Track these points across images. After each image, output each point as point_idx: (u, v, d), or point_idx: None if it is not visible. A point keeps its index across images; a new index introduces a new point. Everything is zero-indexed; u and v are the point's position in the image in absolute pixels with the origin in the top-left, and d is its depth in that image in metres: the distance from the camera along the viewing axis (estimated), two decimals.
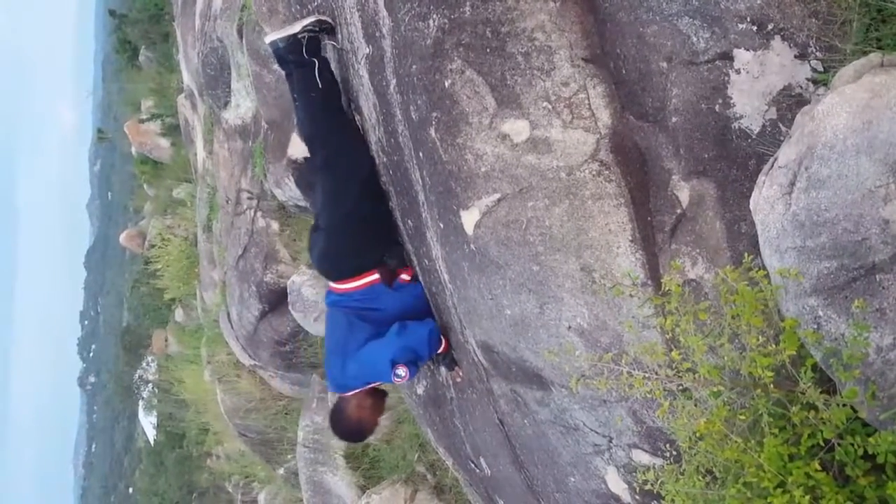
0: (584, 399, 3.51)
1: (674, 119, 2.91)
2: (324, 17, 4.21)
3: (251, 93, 6.87)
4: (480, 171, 3.31)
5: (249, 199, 7.56)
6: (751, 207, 2.50)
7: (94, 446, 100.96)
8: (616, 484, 3.65)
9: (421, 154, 3.63)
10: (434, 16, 3.26)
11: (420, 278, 4.48)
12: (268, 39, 4.33)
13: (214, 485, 18.40)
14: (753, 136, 2.72)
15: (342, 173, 4.29)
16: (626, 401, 3.32)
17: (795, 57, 2.57)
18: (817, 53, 2.52)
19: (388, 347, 4.27)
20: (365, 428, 4.61)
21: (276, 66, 4.74)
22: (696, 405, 2.75)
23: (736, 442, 2.51)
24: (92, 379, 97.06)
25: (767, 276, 2.47)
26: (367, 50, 3.82)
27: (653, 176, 3.06)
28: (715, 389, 2.61)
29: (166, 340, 19.86)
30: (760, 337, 2.43)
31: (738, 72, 2.70)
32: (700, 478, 2.77)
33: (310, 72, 4.16)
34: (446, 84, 3.29)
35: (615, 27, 3.00)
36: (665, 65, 2.88)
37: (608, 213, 3.03)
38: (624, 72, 3.02)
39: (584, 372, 3.25)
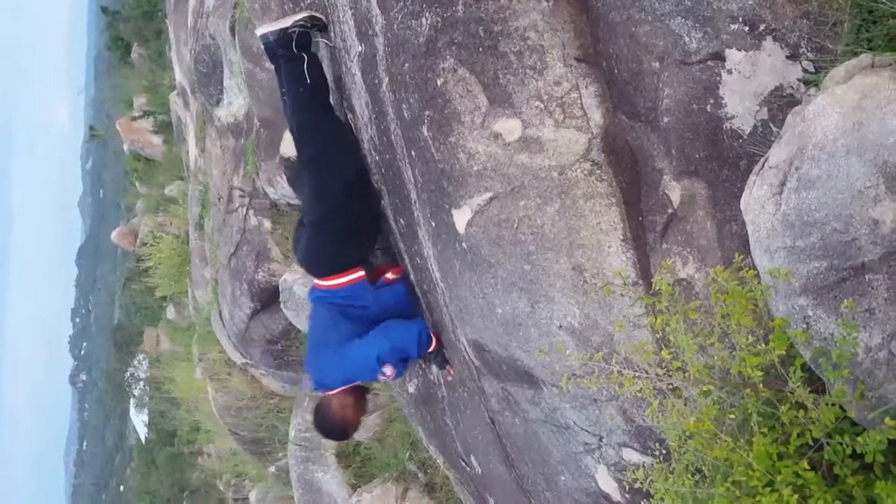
0: (575, 398, 3.52)
1: (665, 119, 2.92)
2: (316, 14, 4.21)
3: (244, 90, 6.86)
4: (472, 170, 3.31)
5: (241, 197, 7.54)
6: (741, 207, 2.50)
7: (85, 444, 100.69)
8: (606, 482, 3.65)
9: (413, 152, 3.62)
10: (427, 14, 3.26)
11: (411, 276, 4.48)
12: (259, 32, 4.31)
13: (206, 483, 18.38)
14: (745, 137, 2.72)
15: (327, 170, 4.27)
16: (617, 400, 3.33)
17: (787, 57, 2.58)
18: (808, 54, 2.53)
19: (376, 346, 4.27)
20: (349, 426, 4.60)
21: (268, 64, 4.73)
22: (685, 404, 2.76)
23: (725, 441, 2.51)
24: (83, 377, 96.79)
25: (757, 275, 2.48)
26: (360, 48, 3.82)
27: (644, 176, 3.07)
28: (705, 388, 2.61)
29: (158, 338, 19.82)
30: (750, 336, 2.44)
31: (729, 72, 2.71)
32: (689, 476, 2.77)
33: (298, 67, 4.15)
34: (439, 82, 3.29)
35: (607, 27, 3.00)
36: (657, 65, 2.89)
37: (600, 212, 3.03)
38: (616, 71, 3.02)
39: (574, 371, 3.25)
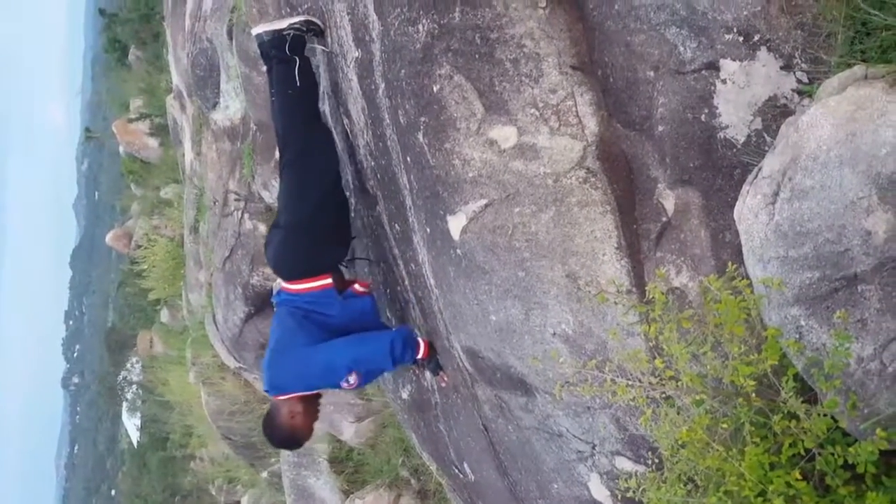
0: (568, 406, 3.52)
1: (660, 128, 2.93)
2: (313, 19, 4.21)
3: (240, 94, 6.86)
4: (468, 177, 3.31)
5: (237, 200, 7.54)
6: (735, 217, 2.51)
7: (76, 447, 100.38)
8: (599, 491, 3.65)
9: (409, 158, 3.63)
10: (424, 21, 3.27)
11: (406, 283, 4.48)
12: (254, 31, 4.31)
13: (198, 487, 18.34)
14: (738, 146, 2.73)
15: (308, 174, 4.25)
16: (610, 408, 3.33)
17: (781, 68, 2.59)
18: (802, 65, 2.54)
19: (345, 354, 4.17)
20: (299, 436, 4.41)
21: (264, 68, 4.73)
22: (678, 413, 2.76)
23: (717, 450, 2.52)
24: (76, 379, 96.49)
25: (751, 285, 2.48)
26: (357, 54, 3.82)
27: (639, 184, 3.07)
28: (697, 398, 2.61)
29: (151, 341, 19.77)
30: (743, 346, 2.44)
31: (724, 82, 2.72)
32: (682, 486, 2.78)
33: (290, 69, 4.15)
34: (435, 89, 3.30)
35: (603, 36, 3.01)
36: (652, 74, 2.90)
37: (594, 220, 3.04)
38: (611, 80, 3.03)
39: (568, 378, 3.25)
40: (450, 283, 3.74)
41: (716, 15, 2.64)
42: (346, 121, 4.39)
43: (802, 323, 2.36)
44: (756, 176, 2.42)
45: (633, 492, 2.94)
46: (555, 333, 3.30)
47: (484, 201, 3.31)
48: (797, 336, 2.38)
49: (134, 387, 27.07)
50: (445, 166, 3.38)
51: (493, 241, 3.33)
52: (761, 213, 2.36)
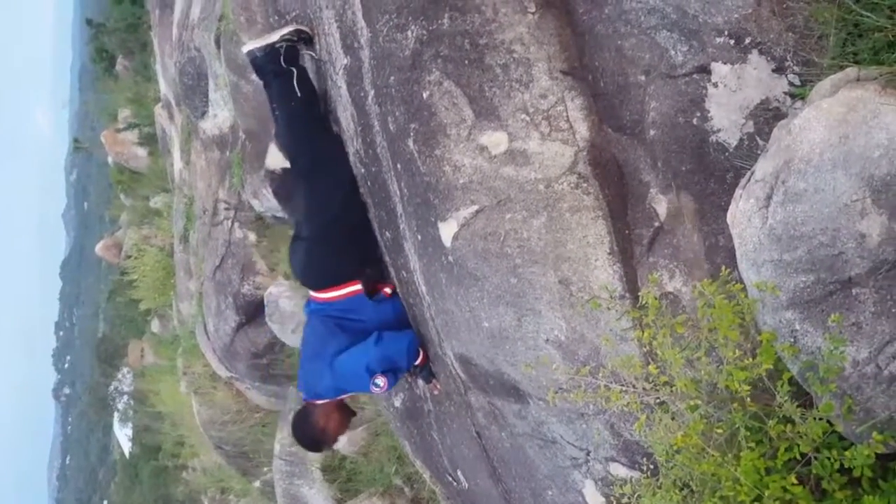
0: (562, 412, 3.50)
1: (652, 132, 2.92)
2: (302, 27, 4.20)
3: (229, 103, 6.83)
4: (458, 183, 3.29)
5: (227, 209, 7.51)
6: (728, 221, 2.50)
7: (68, 458, 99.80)
8: (593, 497, 3.63)
9: (399, 165, 3.61)
10: (412, 27, 3.25)
11: (398, 290, 4.46)
12: (245, 49, 4.30)
13: (190, 498, 18.22)
14: (731, 150, 2.73)
15: (325, 182, 4.27)
16: (604, 414, 3.32)
17: (773, 71, 2.58)
18: (794, 67, 2.54)
19: (365, 356, 4.25)
20: (326, 438, 4.56)
21: (253, 77, 4.71)
22: (673, 418, 2.75)
23: (713, 455, 2.50)
24: (66, 390, 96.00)
25: (744, 289, 2.47)
26: (346, 61, 3.80)
27: (631, 189, 3.06)
28: (692, 403, 2.60)
29: (142, 352, 19.66)
30: (737, 350, 2.43)
31: (715, 85, 2.71)
32: (677, 491, 2.76)
33: (288, 81, 4.14)
34: (424, 95, 3.28)
35: (593, 40, 3.00)
36: (643, 78, 2.89)
37: (586, 225, 3.02)
38: (602, 84, 3.02)
39: (561, 385, 3.24)
40: (441, 290, 3.72)
41: (707, 18, 2.64)
42: (335, 128, 4.37)
43: (797, 327, 2.35)
44: (749, 179, 2.41)
45: (629, 498, 2.93)
46: (548, 340, 3.28)
47: (475, 208, 3.29)
48: (792, 340, 2.37)
49: (125, 397, 26.93)
50: (436, 173, 3.36)
51: (485, 247, 3.31)
52: (754, 217, 2.35)
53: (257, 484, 10.35)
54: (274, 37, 4.15)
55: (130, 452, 31.65)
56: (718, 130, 2.74)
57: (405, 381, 5.10)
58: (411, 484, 6.68)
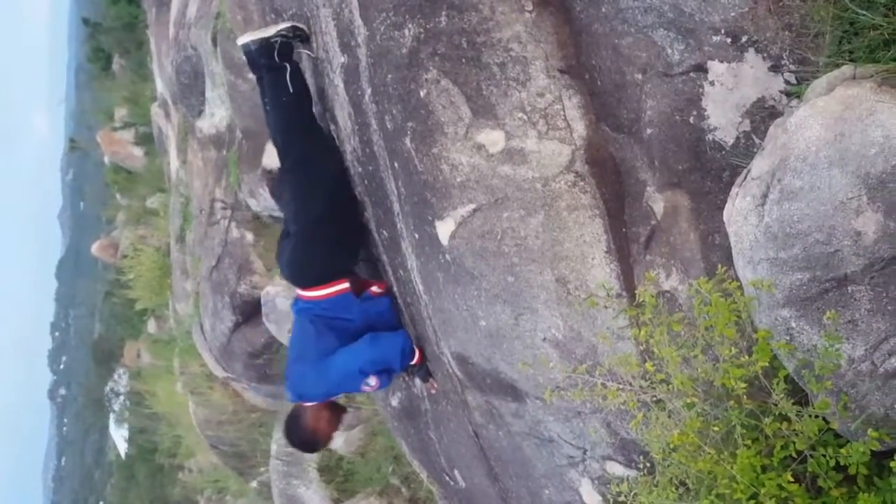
0: (559, 411, 3.50)
1: (648, 130, 2.92)
2: (299, 25, 4.19)
3: (226, 102, 6.84)
4: (455, 182, 3.30)
5: (223, 209, 7.51)
6: (724, 219, 2.50)
7: (64, 460, 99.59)
8: (590, 496, 3.64)
9: (396, 164, 3.61)
10: (410, 25, 3.26)
11: (394, 289, 4.46)
12: (240, 41, 4.28)
13: (186, 498, 18.20)
14: (727, 148, 2.73)
15: (312, 179, 4.24)
16: (601, 412, 3.32)
17: (769, 69, 2.58)
18: (791, 66, 2.54)
19: (359, 358, 4.23)
20: (319, 439, 4.54)
21: (250, 75, 4.71)
22: (669, 416, 2.75)
23: (709, 453, 2.51)
24: (62, 391, 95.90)
25: (741, 287, 2.48)
26: (343, 59, 3.80)
27: (628, 187, 3.07)
28: (688, 401, 2.61)
29: (138, 352, 19.64)
30: (733, 348, 2.44)
31: (712, 84, 2.71)
32: (673, 489, 2.77)
33: (281, 76, 4.12)
34: (422, 94, 3.28)
35: (590, 38, 3.00)
36: (640, 76, 2.89)
37: (583, 224, 3.03)
38: (599, 83, 3.03)
39: (558, 383, 3.24)
40: (439, 289, 3.72)
41: (703, 17, 2.64)
42: (332, 127, 4.37)
43: (793, 324, 2.36)
44: (745, 178, 2.42)
45: (625, 496, 2.93)
46: (545, 338, 3.29)
47: (472, 206, 3.29)
48: (788, 338, 2.38)
49: (121, 398, 26.87)
50: (433, 171, 3.36)
51: (482, 246, 3.31)
52: (751, 215, 2.35)
53: (254, 484, 10.35)
54: (270, 31, 4.14)
55: (126, 453, 31.61)
56: (715, 129, 2.74)
57: (402, 380, 5.10)
58: (408, 484, 6.69)
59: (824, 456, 2.37)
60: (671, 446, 2.66)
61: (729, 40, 2.62)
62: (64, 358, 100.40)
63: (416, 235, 3.69)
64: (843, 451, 2.31)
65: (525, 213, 3.14)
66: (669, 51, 2.77)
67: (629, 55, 2.90)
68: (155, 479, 24.32)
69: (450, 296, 3.65)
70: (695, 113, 2.78)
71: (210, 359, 8.88)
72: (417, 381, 4.77)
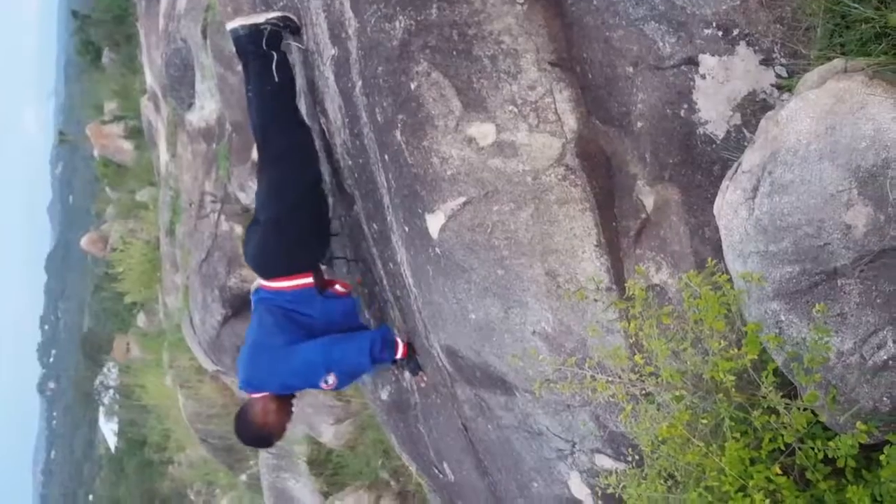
0: (548, 404, 3.50)
1: (639, 124, 2.92)
2: (289, 16, 4.17)
3: (215, 94, 6.81)
4: (446, 175, 3.29)
5: (213, 202, 7.48)
6: (714, 212, 2.50)
7: (53, 453, 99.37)
8: (579, 489, 3.64)
9: (386, 157, 3.60)
10: (400, 17, 3.24)
11: (384, 282, 4.45)
12: (229, 26, 4.22)
13: (176, 492, 18.21)
14: (718, 142, 2.73)
15: (287, 170, 4.19)
16: (590, 405, 3.32)
17: (760, 62, 2.58)
18: (782, 59, 2.54)
19: (324, 355, 4.14)
20: (272, 433, 4.36)
21: (240, 67, 4.67)
22: (658, 409, 2.75)
23: (698, 446, 2.51)
24: (51, 385, 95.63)
25: (730, 280, 2.48)
26: (333, 51, 3.79)
27: (618, 181, 3.06)
28: (677, 394, 2.61)
29: (128, 346, 19.58)
30: (723, 341, 2.44)
31: (703, 77, 2.71)
32: (662, 482, 2.77)
33: (267, 64, 4.08)
34: (412, 86, 3.27)
35: (582, 31, 3.00)
36: (631, 69, 2.89)
37: (573, 217, 3.02)
38: (590, 76, 3.02)
39: (547, 376, 3.24)
40: (428, 282, 3.71)
41: (695, 10, 2.64)
42: (322, 119, 4.35)
43: (782, 317, 2.36)
44: (735, 171, 2.42)
45: (614, 489, 2.93)
46: (534, 331, 3.29)
47: (462, 199, 3.29)
48: (777, 331, 2.38)
49: (111, 391, 26.83)
50: (423, 164, 3.35)
51: (472, 239, 3.31)
52: (741, 209, 2.35)
53: (243, 477, 10.35)
54: (260, 18, 4.10)
55: (116, 447, 31.58)
56: (706, 122, 2.74)
57: (392, 373, 5.10)
58: (398, 477, 6.69)
59: (813, 448, 2.37)
60: (660, 439, 2.67)
61: (720, 33, 2.62)
62: (53, 351, 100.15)
63: (406, 228, 3.68)
64: (831, 443, 2.31)
65: (515, 207, 3.14)
66: (661, 44, 2.77)
67: (620, 48, 2.89)
68: (144, 472, 24.31)
69: (439, 289, 3.64)
70: (686, 106, 2.78)
71: (199, 352, 8.86)
72: (407, 374, 4.77)
